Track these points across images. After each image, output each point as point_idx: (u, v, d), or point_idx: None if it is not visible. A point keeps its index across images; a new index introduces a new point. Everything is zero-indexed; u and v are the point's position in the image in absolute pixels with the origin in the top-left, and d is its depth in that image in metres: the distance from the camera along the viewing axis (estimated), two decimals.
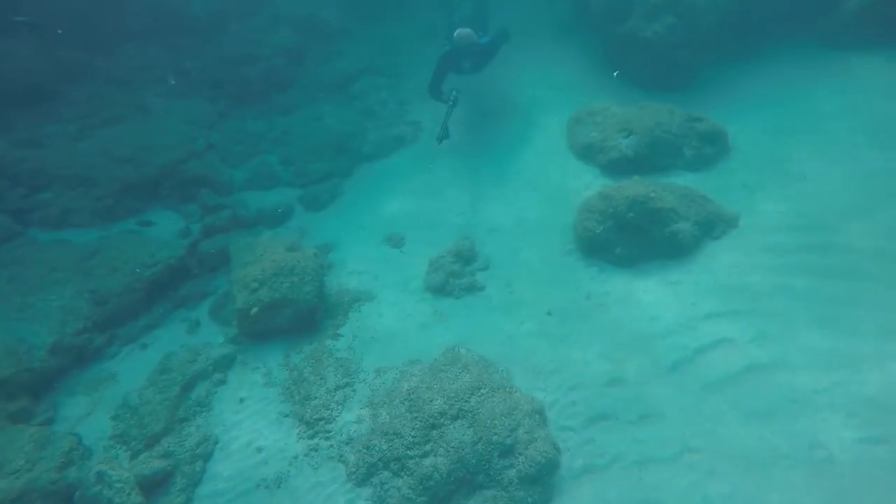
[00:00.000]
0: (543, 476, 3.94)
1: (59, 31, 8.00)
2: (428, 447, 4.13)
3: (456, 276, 5.74)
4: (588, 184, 6.49)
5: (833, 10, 7.37)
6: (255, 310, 5.24)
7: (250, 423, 4.74)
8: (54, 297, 5.41)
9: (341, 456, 4.37)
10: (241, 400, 4.96)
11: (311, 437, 4.56)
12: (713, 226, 5.58)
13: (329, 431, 4.57)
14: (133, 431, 4.54)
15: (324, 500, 4.14)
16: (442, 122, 6.53)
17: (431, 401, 4.33)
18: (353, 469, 4.23)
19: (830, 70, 7.21)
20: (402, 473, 4.07)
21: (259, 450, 4.53)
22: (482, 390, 4.37)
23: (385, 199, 7.05)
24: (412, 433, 4.19)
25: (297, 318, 5.38)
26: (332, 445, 4.47)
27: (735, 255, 5.33)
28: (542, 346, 4.98)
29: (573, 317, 5.19)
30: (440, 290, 5.69)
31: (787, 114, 6.82)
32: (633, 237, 5.50)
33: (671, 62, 7.49)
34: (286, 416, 4.77)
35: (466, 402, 4.29)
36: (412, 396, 4.43)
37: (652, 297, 5.18)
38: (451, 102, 6.64)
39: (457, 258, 5.90)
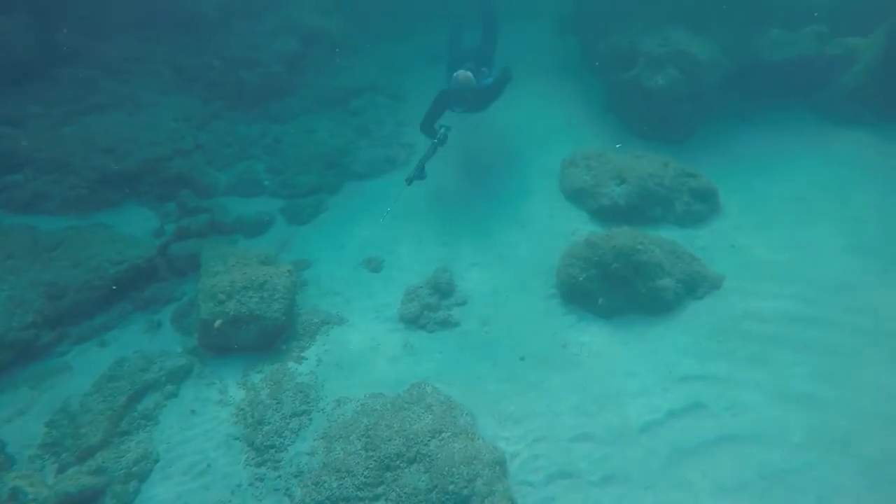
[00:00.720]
0: None
1: (54, 12, 7.79)
2: (380, 490, 3.91)
3: (431, 309, 5.55)
4: (575, 229, 6.38)
5: (829, 85, 7.63)
6: (218, 322, 5.01)
7: (196, 443, 4.47)
8: (5, 287, 5.12)
9: (288, 489, 4.12)
10: (192, 412, 4.72)
11: (259, 465, 4.30)
12: (697, 285, 5.48)
13: (279, 461, 4.31)
14: (67, 441, 4.23)
15: None
16: (418, 161, 5.80)
17: (389, 440, 4.11)
18: None
19: (823, 141, 7.31)
20: None
21: (201, 473, 4.26)
22: (444, 434, 4.17)
23: (369, 221, 6.87)
24: (365, 473, 3.97)
25: (261, 336, 5.15)
26: (279, 476, 4.21)
27: (716, 318, 5.21)
28: (511, 392, 4.78)
29: (547, 365, 5.01)
30: (414, 321, 5.49)
31: (779, 180, 6.82)
32: (616, 288, 5.37)
33: (671, 115, 7.50)
34: (236, 438, 4.51)
35: (426, 445, 4.09)
36: (370, 433, 4.21)
37: (629, 352, 5.03)
38: (435, 140, 6.02)
39: (434, 290, 5.72)
